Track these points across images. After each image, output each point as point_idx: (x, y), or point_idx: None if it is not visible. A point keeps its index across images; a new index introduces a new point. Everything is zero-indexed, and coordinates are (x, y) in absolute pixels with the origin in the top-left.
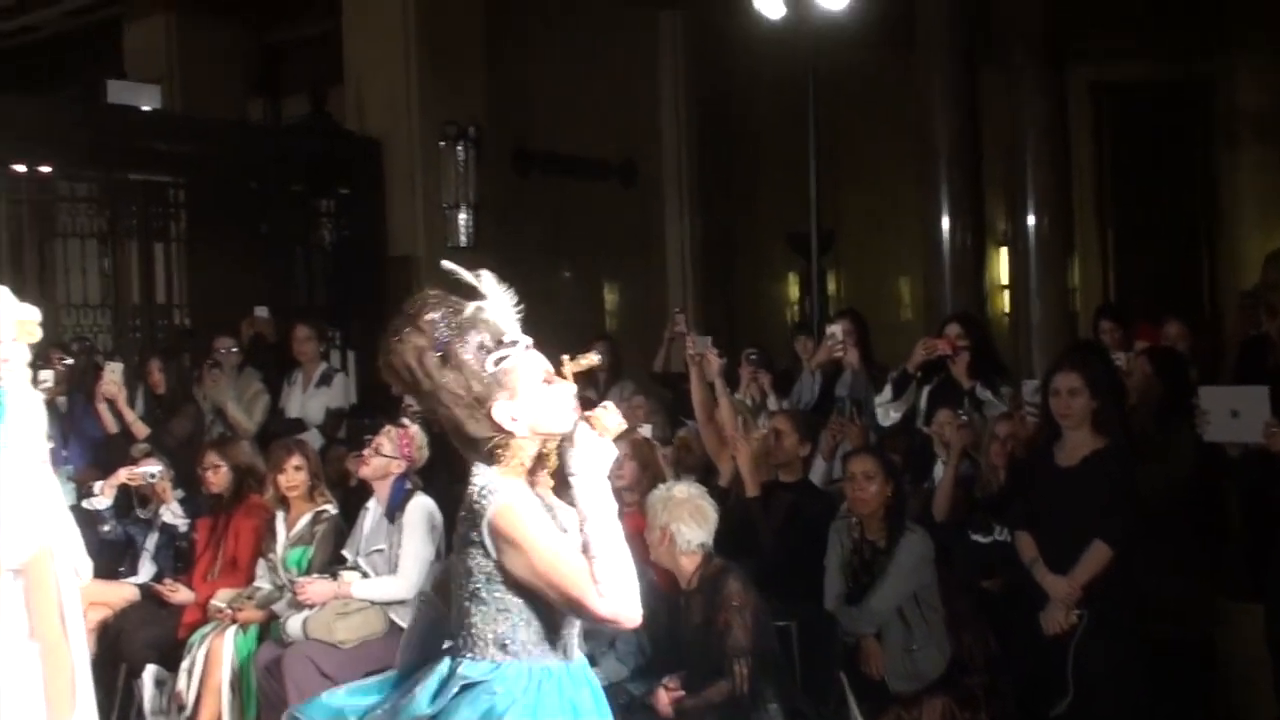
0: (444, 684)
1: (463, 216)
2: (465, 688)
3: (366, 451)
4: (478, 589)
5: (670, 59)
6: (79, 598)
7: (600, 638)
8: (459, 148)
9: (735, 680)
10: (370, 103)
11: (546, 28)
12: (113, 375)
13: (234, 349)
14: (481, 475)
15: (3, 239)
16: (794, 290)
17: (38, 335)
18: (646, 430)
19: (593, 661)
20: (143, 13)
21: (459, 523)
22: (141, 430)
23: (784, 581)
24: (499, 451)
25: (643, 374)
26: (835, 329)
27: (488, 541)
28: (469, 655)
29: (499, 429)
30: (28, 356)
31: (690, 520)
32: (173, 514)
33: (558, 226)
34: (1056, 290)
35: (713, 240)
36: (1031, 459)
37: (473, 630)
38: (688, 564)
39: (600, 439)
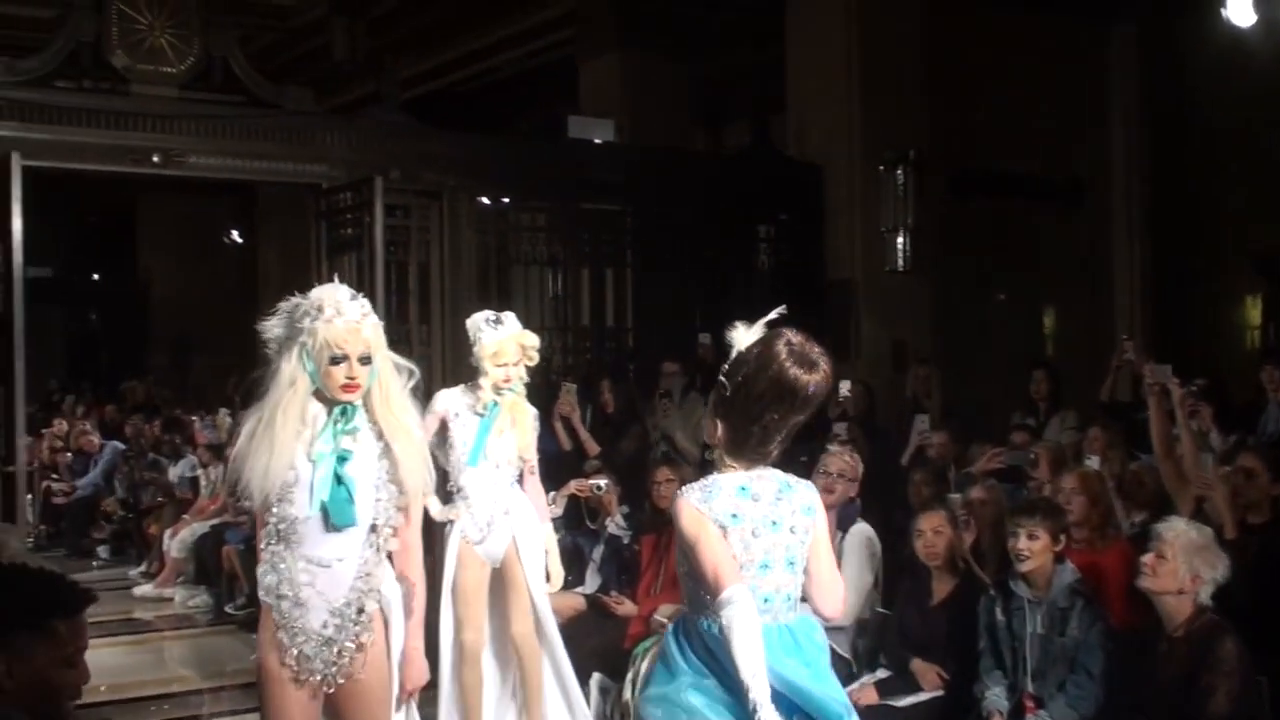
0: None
1: (900, 240)
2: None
3: (827, 479)
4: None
5: (1121, 75)
6: (548, 601)
7: (1051, 680)
8: (899, 172)
9: None
10: (811, 129)
11: (990, 48)
12: (568, 394)
13: (680, 374)
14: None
15: (473, 267)
16: (1255, 315)
17: (536, 359)
18: (1094, 462)
19: (1040, 704)
20: (596, 51)
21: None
22: (593, 448)
23: (1252, 631)
24: None
25: (1086, 403)
26: None
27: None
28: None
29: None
30: (525, 376)
31: (1220, 570)
32: (617, 525)
33: (997, 249)
34: None
35: (1164, 263)
36: None
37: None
38: (1182, 611)
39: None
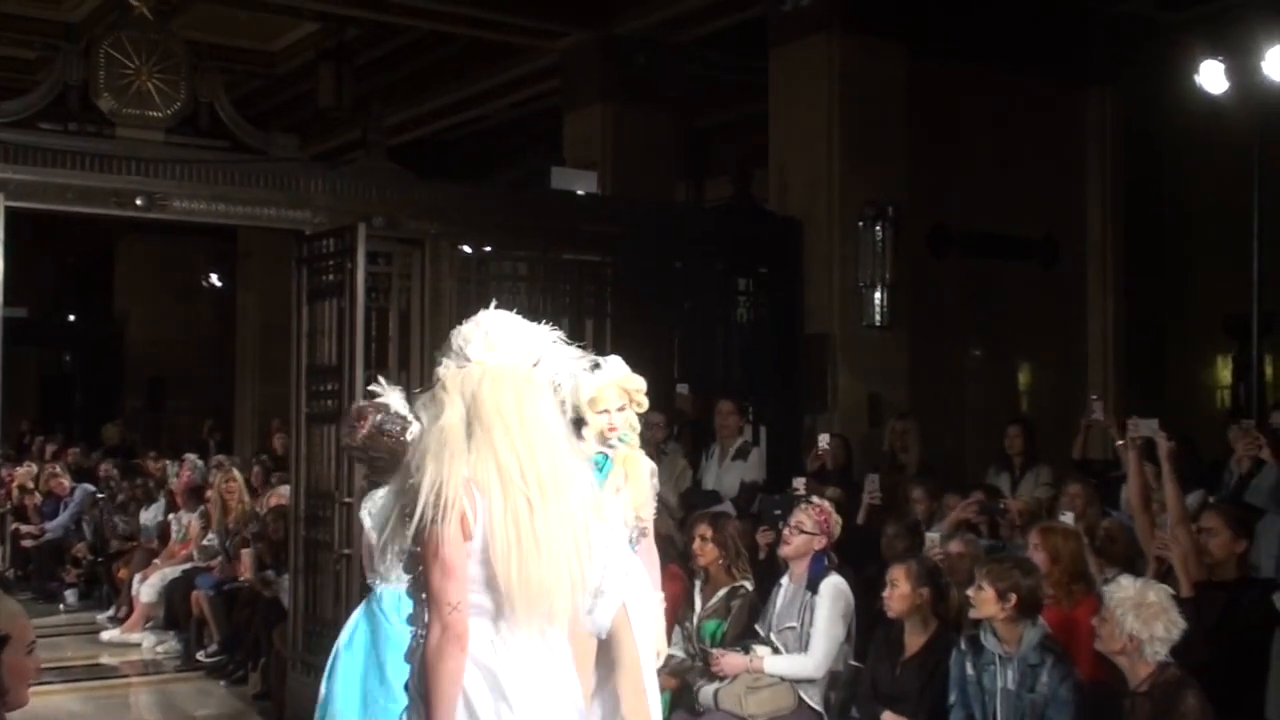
0: None
1: (878, 295)
2: None
3: (787, 530)
4: None
5: (1099, 136)
6: (654, 657)
7: None
8: (877, 227)
9: None
10: (792, 183)
11: (970, 107)
12: None
13: (663, 425)
14: None
15: (454, 314)
16: (1225, 374)
17: (645, 404)
18: (1069, 519)
19: None
20: (581, 103)
21: None
22: None
23: (1215, 690)
24: None
25: (1060, 459)
26: None
27: None
28: None
29: None
30: (637, 425)
31: (1162, 629)
32: None
33: (973, 305)
34: None
35: (1138, 321)
36: None
37: None
38: (1140, 668)
39: None
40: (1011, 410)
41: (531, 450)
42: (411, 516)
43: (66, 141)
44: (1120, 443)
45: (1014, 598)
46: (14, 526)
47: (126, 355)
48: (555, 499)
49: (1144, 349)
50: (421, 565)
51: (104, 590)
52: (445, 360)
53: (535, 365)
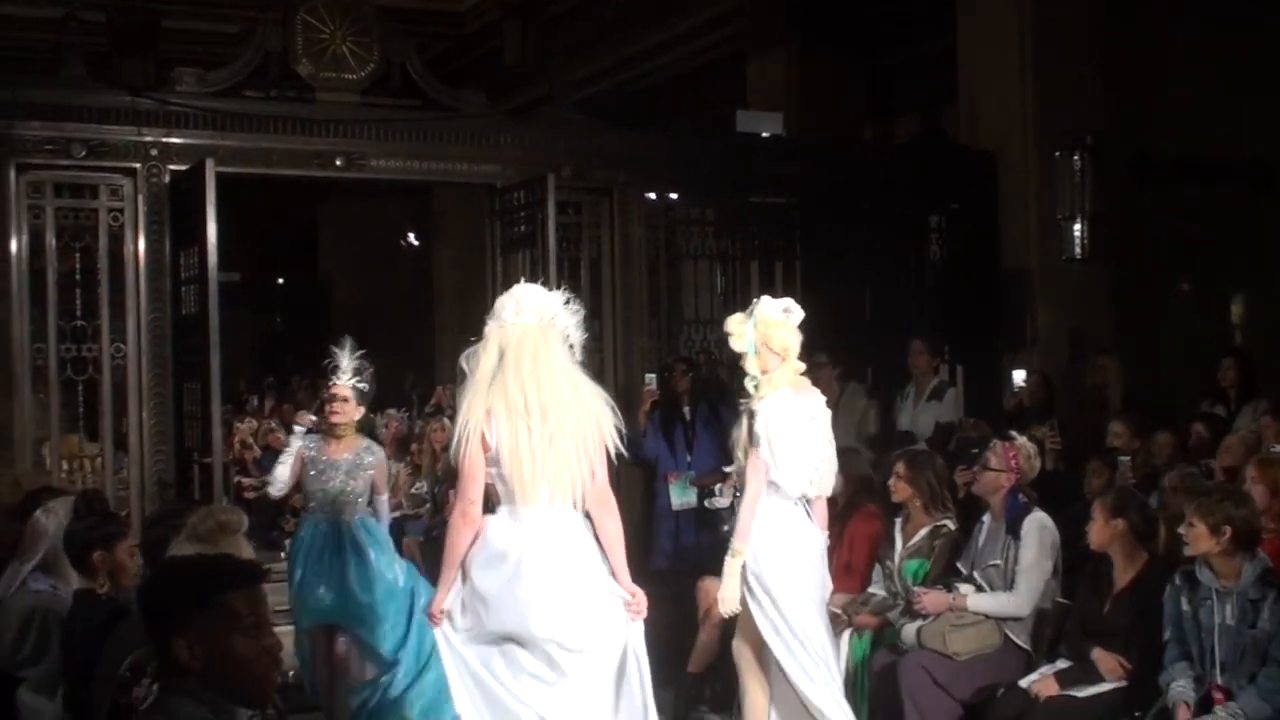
0: None
1: (1078, 227)
2: None
3: (976, 468)
4: None
5: None
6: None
7: (1241, 672)
8: (1075, 157)
9: None
10: (984, 117)
11: (1173, 26)
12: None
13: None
14: None
15: (642, 262)
16: None
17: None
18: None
19: (1230, 696)
20: (764, 46)
21: None
22: None
23: None
24: None
25: (1275, 391)
26: None
27: None
28: None
29: None
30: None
31: None
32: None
33: (1180, 235)
34: None
35: None
36: None
37: None
38: None
39: None
40: (1222, 343)
41: (537, 388)
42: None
43: (270, 107)
44: None
45: (1228, 531)
46: (236, 480)
47: (332, 315)
48: (553, 422)
49: None
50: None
51: None
52: (490, 321)
53: (551, 323)
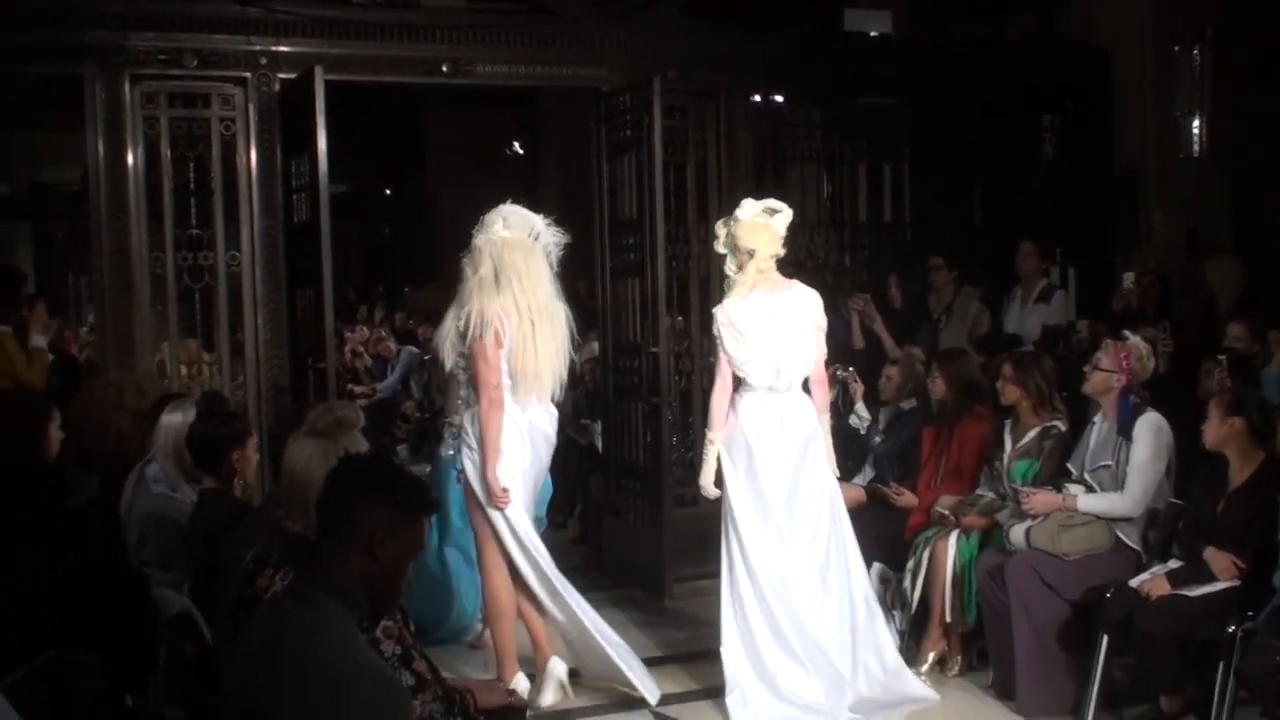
0: None
1: (1196, 125)
2: None
3: (1087, 368)
4: None
5: None
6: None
7: None
8: (1195, 52)
9: None
10: (1100, 11)
11: None
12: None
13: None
14: None
15: (749, 165)
16: None
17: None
18: None
19: None
20: None
21: None
22: (893, 347)
23: None
24: None
25: None
26: None
27: None
28: None
29: None
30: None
31: None
32: (857, 416)
33: None
34: None
35: None
36: None
37: None
38: None
39: None
40: None
41: (535, 292)
42: (465, 332)
43: (376, 14)
44: None
45: None
46: (349, 388)
47: (439, 225)
48: (546, 324)
49: None
50: (470, 362)
51: (432, 444)
52: (479, 234)
53: (535, 238)
